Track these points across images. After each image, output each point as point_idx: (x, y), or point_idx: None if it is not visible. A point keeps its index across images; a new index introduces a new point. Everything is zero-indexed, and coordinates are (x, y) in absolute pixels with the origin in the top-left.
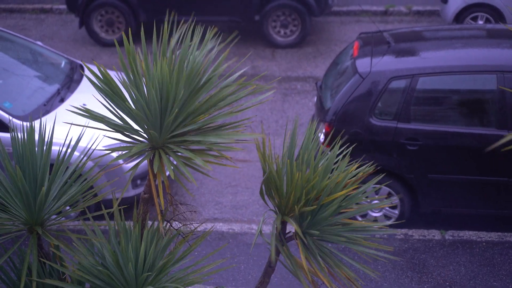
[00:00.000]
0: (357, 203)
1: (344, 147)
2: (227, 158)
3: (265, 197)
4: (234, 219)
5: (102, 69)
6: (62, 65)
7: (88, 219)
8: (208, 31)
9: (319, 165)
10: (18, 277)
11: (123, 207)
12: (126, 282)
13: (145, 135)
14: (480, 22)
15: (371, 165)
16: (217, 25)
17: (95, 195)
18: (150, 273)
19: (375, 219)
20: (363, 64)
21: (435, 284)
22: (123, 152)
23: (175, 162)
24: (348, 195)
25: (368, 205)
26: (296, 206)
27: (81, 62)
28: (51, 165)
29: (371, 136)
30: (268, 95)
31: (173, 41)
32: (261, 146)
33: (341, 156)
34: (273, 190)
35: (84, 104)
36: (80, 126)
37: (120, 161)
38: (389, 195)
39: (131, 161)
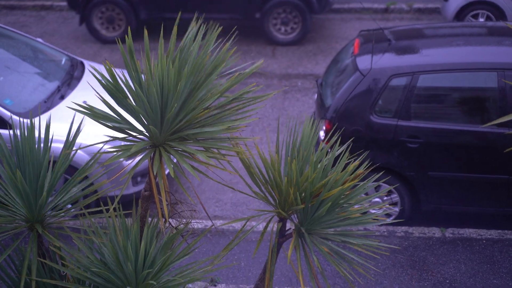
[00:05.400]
0: (356, 200)
1: (344, 145)
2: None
3: (265, 194)
4: (234, 217)
5: (109, 67)
6: (63, 62)
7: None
8: (209, 28)
9: (319, 163)
10: (18, 275)
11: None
12: (126, 279)
13: (146, 133)
14: (481, 19)
15: (371, 163)
16: (217, 22)
17: (95, 192)
18: (150, 269)
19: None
20: (363, 62)
21: (435, 281)
22: (123, 151)
23: (175, 160)
24: (347, 193)
25: (369, 204)
26: (291, 205)
27: (82, 59)
28: (54, 162)
29: (371, 133)
30: (267, 91)
31: (174, 38)
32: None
33: (341, 154)
34: (272, 187)
35: (84, 101)
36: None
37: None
38: (389, 192)
39: (132, 159)
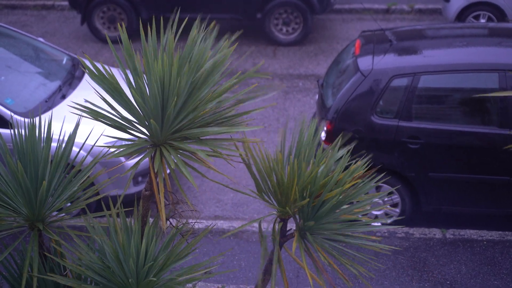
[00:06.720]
0: (358, 201)
1: (345, 146)
2: (227, 158)
3: (264, 194)
4: (235, 217)
5: (103, 66)
6: (64, 61)
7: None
8: (209, 27)
9: (320, 163)
10: (19, 273)
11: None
12: (127, 278)
13: (146, 132)
14: (482, 20)
15: (372, 164)
16: (218, 22)
17: (97, 192)
18: (152, 263)
19: (376, 218)
20: (364, 62)
21: (435, 282)
22: (123, 149)
23: (176, 160)
24: (349, 193)
25: (370, 202)
26: (293, 205)
27: (82, 58)
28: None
29: (372, 134)
30: (268, 91)
31: (174, 37)
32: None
33: (342, 154)
34: (274, 187)
35: (85, 101)
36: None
37: (122, 159)
38: (390, 193)
39: (133, 159)
